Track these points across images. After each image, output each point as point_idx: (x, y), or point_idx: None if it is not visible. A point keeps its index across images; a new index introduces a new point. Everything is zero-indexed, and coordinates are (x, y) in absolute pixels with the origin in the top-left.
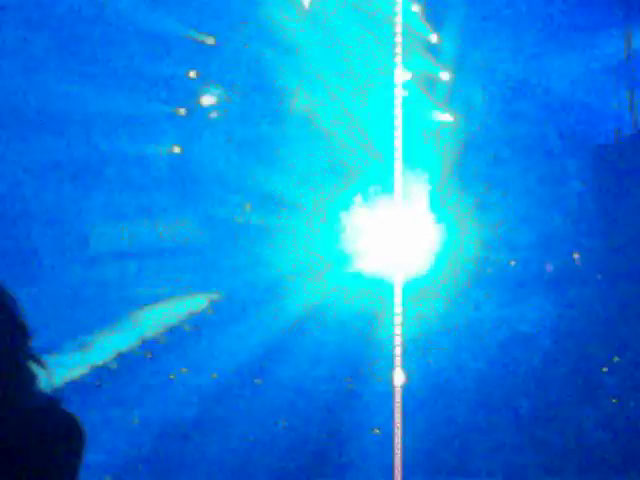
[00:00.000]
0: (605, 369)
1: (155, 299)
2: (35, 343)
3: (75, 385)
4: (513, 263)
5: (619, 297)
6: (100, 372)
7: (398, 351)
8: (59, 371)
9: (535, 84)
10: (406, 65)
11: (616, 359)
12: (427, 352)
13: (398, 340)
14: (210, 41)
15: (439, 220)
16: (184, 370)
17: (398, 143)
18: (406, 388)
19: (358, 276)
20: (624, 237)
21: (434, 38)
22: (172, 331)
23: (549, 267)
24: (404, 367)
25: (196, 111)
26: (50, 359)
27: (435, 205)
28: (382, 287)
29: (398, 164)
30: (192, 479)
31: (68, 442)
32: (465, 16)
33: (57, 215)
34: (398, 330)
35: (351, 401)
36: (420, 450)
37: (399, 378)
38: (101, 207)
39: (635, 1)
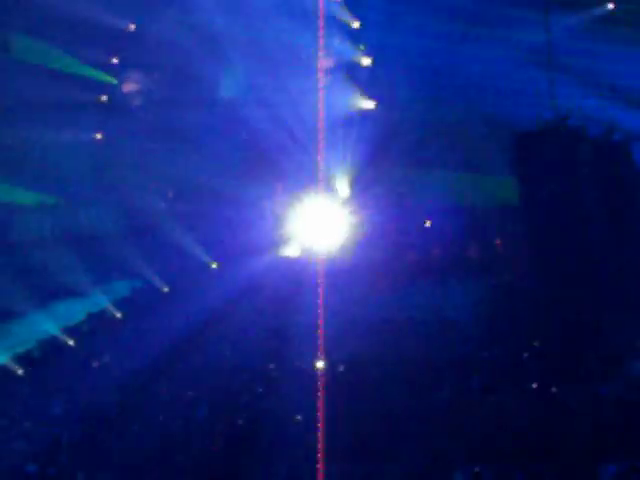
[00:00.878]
0: (525, 354)
1: (78, 287)
2: None
3: None
4: (437, 250)
5: (539, 283)
6: (22, 360)
7: (321, 338)
8: None
9: (457, 71)
10: (328, 52)
11: (535, 344)
12: (350, 339)
13: (321, 327)
14: (131, 28)
15: (361, 207)
16: (106, 357)
17: (321, 130)
18: (329, 375)
19: (281, 264)
20: (545, 223)
21: (355, 24)
22: (94, 318)
23: (472, 253)
24: (327, 354)
25: (118, 98)
26: None
27: (358, 192)
28: (305, 275)
29: (321, 151)
30: (114, 466)
31: None
32: (386, 2)
33: None
34: (321, 317)
35: (273, 388)
36: (342, 436)
37: (320, 364)
38: (22, 195)
39: None
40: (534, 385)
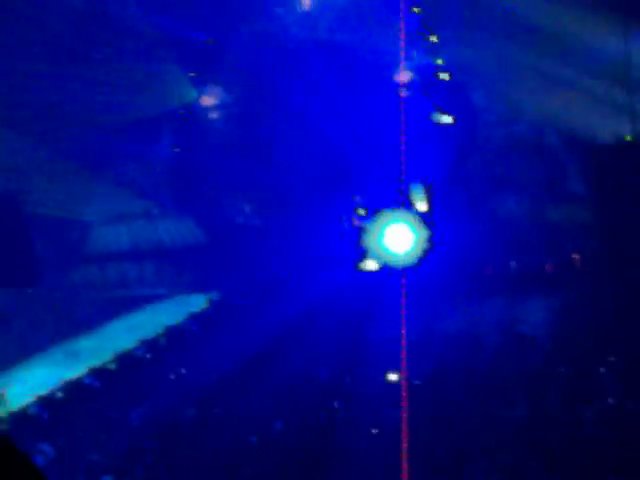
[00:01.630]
0: (602, 369)
1: (155, 299)
2: (36, 342)
3: (73, 386)
4: (514, 264)
5: (616, 298)
6: (98, 373)
7: (400, 351)
8: (57, 372)
9: (534, 86)
10: (408, 66)
11: (612, 359)
12: (428, 353)
13: (400, 340)
14: (210, 43)
15: (440, 220)
16: (183, 370)
17: (402, 144)
18: (408, 390)
19: (358, 275)
20: (623, 238)
21: (434, 39)
22: (171, 331)
23: (549, 268)
24: (405, 368)
25: (196, 112)
26: (48, 361)
27: (437, 205)
28: (381, 286)
29: (400, 164)
30: (190, 478)
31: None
32: (464, 19)
33: (58, 215)
34: (400, 330)
35: (350, 400)
36: (421, 451)
37: (394, 377)
38: (101, 208)
39: (633, 3)
40: (610, 400)
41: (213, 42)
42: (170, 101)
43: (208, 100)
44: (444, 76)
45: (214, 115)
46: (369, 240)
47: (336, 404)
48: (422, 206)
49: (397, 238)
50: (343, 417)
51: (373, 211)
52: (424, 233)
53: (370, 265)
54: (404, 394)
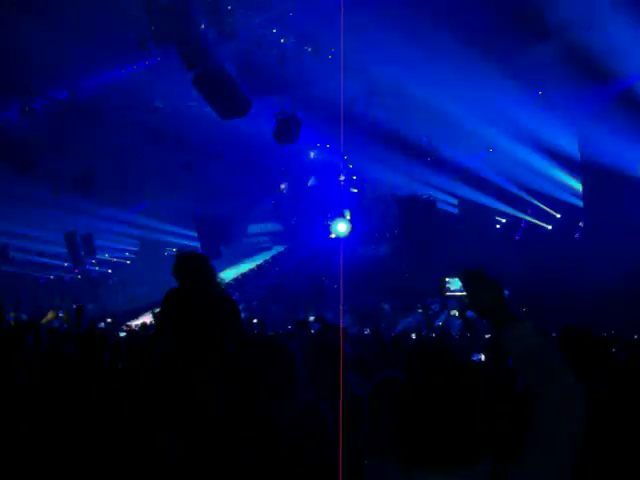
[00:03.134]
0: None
1: (265, 249)
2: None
3: (235, 280)
4: (376, 235)
5: (409, 259)
6: (243, 275)
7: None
8: (231, 274)
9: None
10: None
11: (407, 275)
12: (357, 264)
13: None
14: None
15: (355, 221)
16: (273, 273)
17: (345, 207)
18: (347, 275)
19: (329, 240)
20: (412, 241)
21: (350, 165)
22: (269, 260)
23: (389, 236)
24: (344, 269)
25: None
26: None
27: (353, 218)
28: (338, 244)
29: (342, 211)
30: (279, 302)
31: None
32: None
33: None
34: (345, 264)
35: (330, 277)
36: (353, 296)
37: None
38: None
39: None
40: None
41: (281, 190)
42: (269, 201)
43: (284, 186)
44: (354, 190)
45: (284, 189)
46: (332, 228)
47: (326, 281)
48: (348, 217)
49: (341, 226)
50: (327, 284)
51: (333, 220)
52: (349, 225)
53: (332, 236)
54: (343, 277)
